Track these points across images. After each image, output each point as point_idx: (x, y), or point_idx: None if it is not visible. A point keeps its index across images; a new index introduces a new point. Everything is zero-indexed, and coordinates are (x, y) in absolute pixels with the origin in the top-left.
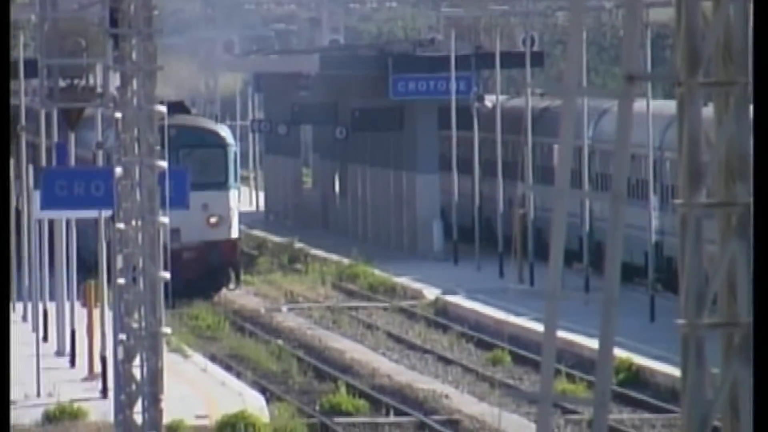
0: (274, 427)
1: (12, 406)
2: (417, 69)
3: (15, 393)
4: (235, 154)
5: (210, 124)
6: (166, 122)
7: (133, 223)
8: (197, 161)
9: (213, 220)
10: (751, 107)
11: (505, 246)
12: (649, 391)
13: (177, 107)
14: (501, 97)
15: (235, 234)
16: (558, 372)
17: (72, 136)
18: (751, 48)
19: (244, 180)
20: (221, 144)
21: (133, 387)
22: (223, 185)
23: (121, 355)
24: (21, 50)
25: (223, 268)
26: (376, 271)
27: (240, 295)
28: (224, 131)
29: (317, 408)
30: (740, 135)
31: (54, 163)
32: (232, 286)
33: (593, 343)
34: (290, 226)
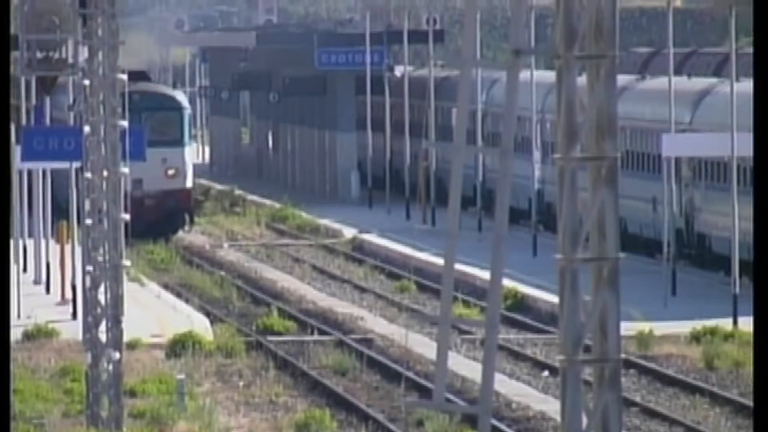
0: (217, 345)
1: None
2: (338, 44)
3: None
4: (189, 116)
5: (168, 90)
6: (126, 88)
7: (99, 173)
8: (157, 122)
9: (170, 172)
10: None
11: (411, 193)
12: (532, 315)
13: (140, 75)
14: (408, 68)
15: (189, 184)
16: (455, 299)
17: (47, 100)
18: (617, 27)
19: (193, 137)
20: (178, 107)
21: (98, 310)
22: (179, 142)
23: (88, 283)
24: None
25: (179, 213)
26: (303, 214)
27: (189, 233)
28: (180, 96)
29: (253, 328)
30: (608, 100)
31: (32, 122)
32: (186, 228)
33: (485, 275)
34: (231, 176)
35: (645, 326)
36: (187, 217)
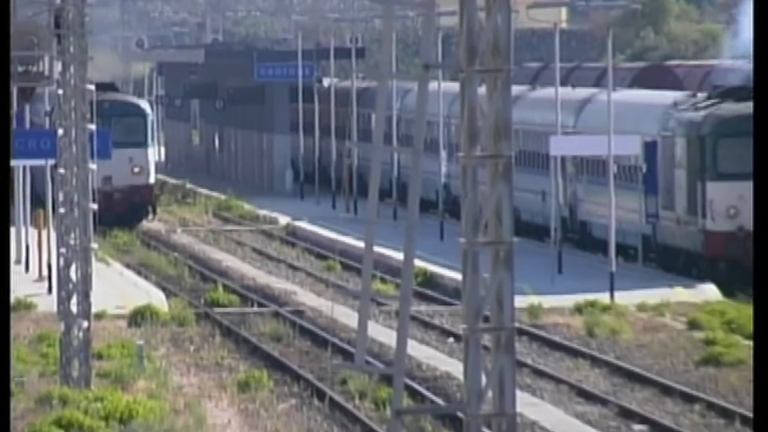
0: (171, 315)
1: None
2: (274, 59)
3: None
4: (152, 121)
5: (134, 99)
6: (97, 97)
7: (71, 169)
8: (124, 126)
9: (136, 170)
10: (512, 87)
11: (336, 186)
12: (439, 290)
13: (110, 87)
14: (334, 80)
15: (152, 180)
16: (374, 276)
17: (27, 107)
18: (512, 45)
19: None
20: (142, 113)
21: (70, 286)
22: (143, 144)
23: (61, 263)
24: None
25: (143, 205)
26: (245, 204)
27: (147, 220)
28: (144, 104)
29: (202, 301)
30: (504, 107)
31: (15, 125)
32: (150, 218)
33: (399, 256)
34: (183, 172)
35: (535, 300)
36: (150, 209)
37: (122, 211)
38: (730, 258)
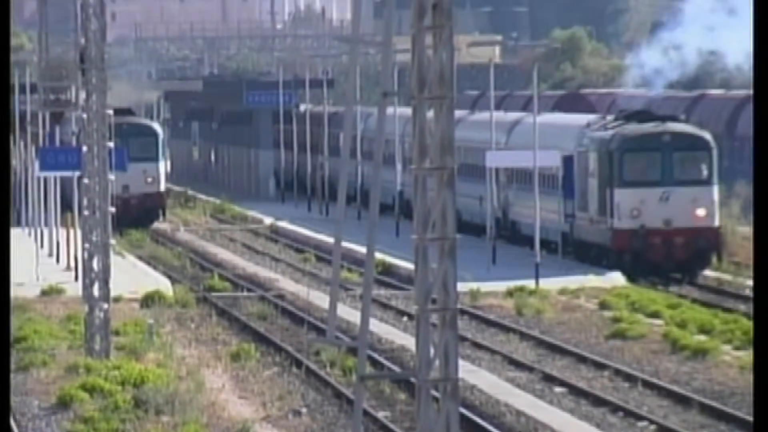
0: (175, 299)
1: (21, 286)
2: (260, 88)
3: (23, 278)
4: (162, 140)
5: (147, 122)
6: (117, 120)
7: (93, 179)
8: (139, 144)
9: (149, 180)
10: (455, 111)
11: (311, 192)
12: (396, 277)
13: (127, 111)
14: (309, 105)
15: (162, 188)
16: (342, 266)
17: (57, 129)
18: (454, 76)
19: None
20: (154, 134)
21: (93, 275)
22: (155, 158)
23: (85, 256)
24: (27, 77)
25: (155, 209)
26: (236, 207)
27: (158, 222)
28: (156, 126)
29: (201, 287)
30: (448, 128)
31: (47, 144)
32: (161, 220)
33: (362, 249)
34: (185, 181)
35: (474, 285)
36: (160, 212)
37: (138, 214)
38: (633, 251)
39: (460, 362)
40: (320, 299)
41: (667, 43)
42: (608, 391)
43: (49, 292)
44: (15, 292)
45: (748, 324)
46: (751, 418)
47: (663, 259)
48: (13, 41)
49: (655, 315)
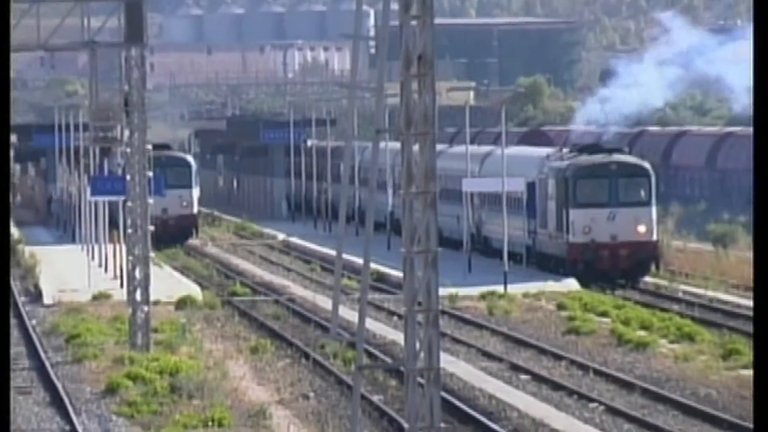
0: (204, 302)
1: (75, 293)
2: (275, 127)
3: (77, 285)
4: (195, 170)
5: (182, 155)
6: (156, 153)
7: (136, 203)
8: (176, 173)
9: (184, 203)
10: (437, 145)
11: (317, 213)
12: (388, 284)
13: (165, 146)
14: (315, 141)
15: (195, 211)
16: (343, 274)
17: (105, 160)
18: (436, 116)
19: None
20: (188, 165)
21: (135, 282)
22: (189, 186)
23: (129, 266)
24: (81, 118)
25: (188, 228)
26: (255, 226)
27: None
28: (189, 158)
29: (225, 292)
30: (431, 159)
31: (97, 173)
32: (193, 237)
33: (360, 260)
34: (212, 205)
35: (453, 290)
36: (193, 231)
37: (175, 232)
38: (585, 261)
39: (441, 354)
40: (325, 302)
41: (607, 94)
42: (565, 378)
43: (99, 297)
44: (70, 297)
45: (682, 321)
46: (683, 400)
47: (610, 267)
48: (68, 87)
49: (603, 314)
